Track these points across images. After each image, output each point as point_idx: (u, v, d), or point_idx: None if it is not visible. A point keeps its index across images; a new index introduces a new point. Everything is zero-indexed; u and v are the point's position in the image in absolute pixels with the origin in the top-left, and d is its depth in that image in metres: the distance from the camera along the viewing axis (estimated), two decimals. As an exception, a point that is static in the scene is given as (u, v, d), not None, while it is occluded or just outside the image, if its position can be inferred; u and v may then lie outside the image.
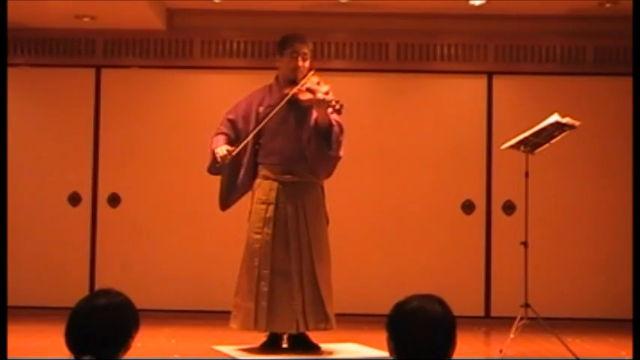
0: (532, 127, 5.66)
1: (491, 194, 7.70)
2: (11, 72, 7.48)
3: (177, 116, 7.77)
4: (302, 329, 5.34)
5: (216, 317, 7.19)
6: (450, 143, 7.71)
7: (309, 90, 5.39)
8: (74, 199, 7.76)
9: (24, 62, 7.84)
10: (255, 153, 5.55)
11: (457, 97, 7.79)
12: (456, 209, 7.68)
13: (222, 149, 5.44)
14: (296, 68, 5.48)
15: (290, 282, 5.32)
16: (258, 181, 5.52)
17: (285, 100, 5.40)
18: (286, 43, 5.54)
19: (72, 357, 2.60)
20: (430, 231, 7.67)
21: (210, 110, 7.80)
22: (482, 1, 7.16)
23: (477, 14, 7.56)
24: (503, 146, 5.88)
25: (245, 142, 5.46)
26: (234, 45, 7.83)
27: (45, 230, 7.73)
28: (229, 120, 5.65)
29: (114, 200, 7.75)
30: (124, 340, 2.63)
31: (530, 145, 5.72)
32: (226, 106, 7.71)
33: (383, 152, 7.73)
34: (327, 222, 5.57)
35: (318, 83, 5.42)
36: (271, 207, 5.41)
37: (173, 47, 7.84)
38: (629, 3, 6.40)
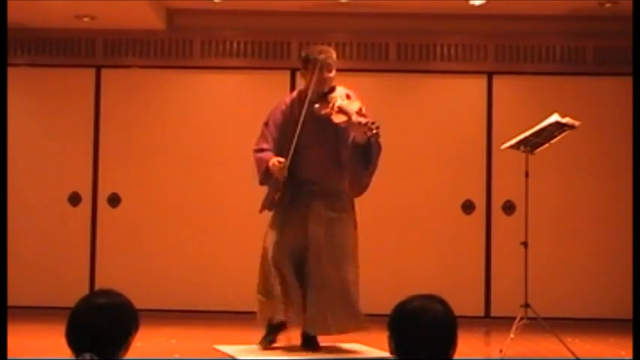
0: (532, 127, 5.66)
1: (491, 194, 7.70)
2: (11, 72, 7.48)
3: (177, 116, 7.77)
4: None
5: (216, 317, 7.22)
6: (450, 143, 7.71)
7: (341, 110, 5.30)
8: (74, 199, 7.76)
9: (24, 62, 7.84)
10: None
11: (457, 97, 7.79)
12: (456, 209, 7.67)
13: (274, 164, 5.32)
14: (322, 81, 5.40)
15: (293, 279, 5.36)
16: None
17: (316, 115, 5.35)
18: (309, 56, 5.46)
19: (72, 357, 2.60)
20: (430, 231, 7.67)
21: (210, 110, 7.82)
22: (483, 1, 7.17)
23: (477, 14, 7.56)
24: (503, 146, 5.88)
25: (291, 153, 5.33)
26: (234, 45, 7.83)
27: (45, 230, 7.73)
28: (269, 134, 5.50)
29: (114, 200, 7.74)
30: (123, 340, 2.63)
31: (530, 145, 5.72)
32: (226, 105, 7.79)
33: (383, 152, 7.70)
34: (355, 227, 5.60)
35: (348, 97, 5.39)
36: (292, 210, 5.39)
37: (173, 47, 7.84)
38: (629, 3, 6.40)
